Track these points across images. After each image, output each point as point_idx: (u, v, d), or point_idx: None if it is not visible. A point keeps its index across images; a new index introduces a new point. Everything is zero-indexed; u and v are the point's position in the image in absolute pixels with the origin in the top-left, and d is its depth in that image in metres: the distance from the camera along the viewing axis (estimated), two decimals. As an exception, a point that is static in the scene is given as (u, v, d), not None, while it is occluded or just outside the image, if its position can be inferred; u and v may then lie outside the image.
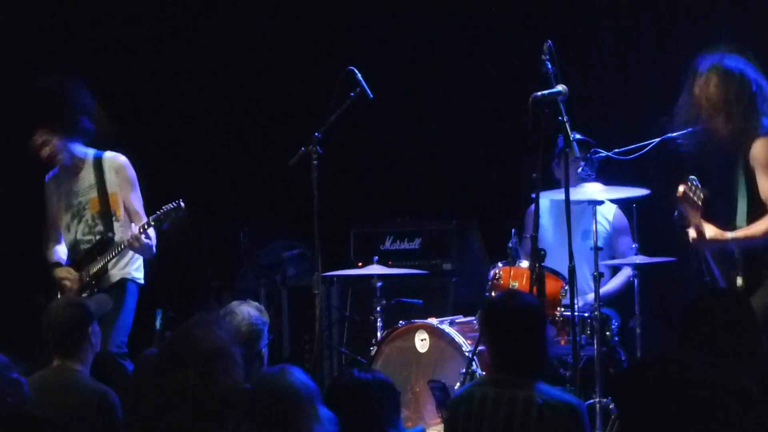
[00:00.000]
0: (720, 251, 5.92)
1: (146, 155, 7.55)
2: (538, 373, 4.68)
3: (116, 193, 7.12)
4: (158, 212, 6.87)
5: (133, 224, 6.99)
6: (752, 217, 5.88)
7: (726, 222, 5.95)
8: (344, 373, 4.86)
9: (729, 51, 6.09)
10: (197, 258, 8.87)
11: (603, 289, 7.14)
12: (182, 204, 6.83)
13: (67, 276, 7.09)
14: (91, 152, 7.18)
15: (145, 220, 6.99)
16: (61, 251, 7.26)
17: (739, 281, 5.87)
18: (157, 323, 4.66)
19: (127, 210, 7.13)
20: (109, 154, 7.18)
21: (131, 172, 7.18)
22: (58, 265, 7.18)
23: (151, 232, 6.92)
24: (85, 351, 5.77)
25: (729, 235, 5.82)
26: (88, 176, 7.15)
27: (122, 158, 7.19)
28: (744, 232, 5.82)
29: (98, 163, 7.15)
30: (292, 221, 8.39)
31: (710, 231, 5.83)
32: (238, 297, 6.50)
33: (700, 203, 5.78)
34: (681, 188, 5.82)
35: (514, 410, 4.53)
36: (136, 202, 7.13)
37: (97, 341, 5.89)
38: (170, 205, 6.85)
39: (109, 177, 7.13)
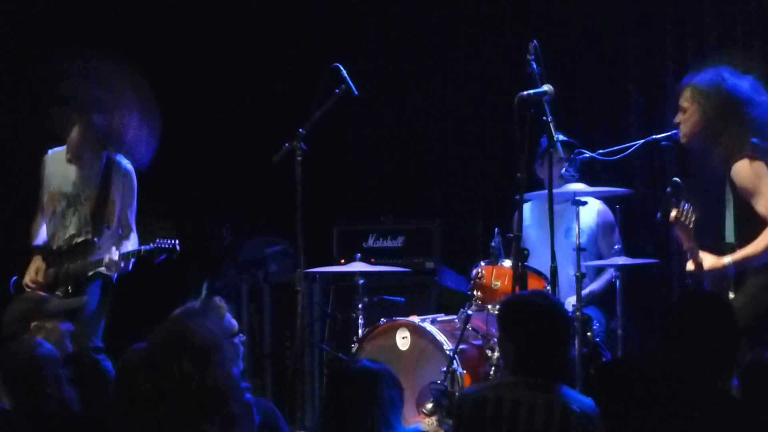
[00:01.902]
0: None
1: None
2: (563, 376, 4.53)
3: (116, 201, 7.05)
4: (152, 246, 6.86)
5: (115, 249, 6.90)
6: (741, 228, 5.89)
7: (713, 231, 5.97)
8: (353, 360, 4.84)
9: (721, 65, 6.10)
10: (180, 253, 8.84)
11: (587, 288, 7.15)
12: (178, 247, 6.83)
13: (34, 276, 7.03)
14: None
15: (134, 232, 6.98)
16: (43, 233, 7.19)
17: (731, 295, 5.89)
18: (203, 292, 4.72)
19: (120, 219, 7.07)
20: (122, 159, 7.11)
21: (134, 183, 7.12)
22: (36, 251, 7.12)
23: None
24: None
25: (726, 260, 5.84)
26: (95, 173, 7.07)
27: (131, 167, 7.13)
28: (741, 254, 5.83)
29: (109, 165, 7.07)
30: (275, 218, 8.39)
31: (708, 261, 5.86)
32: (220, 293, 6.48)
33: (691, 226, 5.80)
34: (673, 213, 5.84)
35: (551, 417, 4.35)
36: (131, 215, 7.09)
37: (53, 340, 5.79)
38: (166, 244, 6.84)
39: (116, 183, 7.06)
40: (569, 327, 4.70)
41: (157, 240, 6.89)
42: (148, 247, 6.89)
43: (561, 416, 4.37)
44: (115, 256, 6.84)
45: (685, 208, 5.79)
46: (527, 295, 5.43)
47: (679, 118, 6.08)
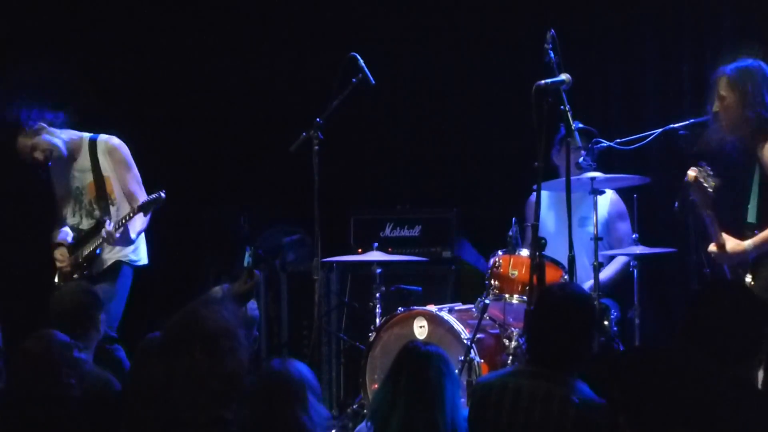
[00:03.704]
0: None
1: (148, 140, 7.56)
2: (577, 369, 4.52)
3: (110, 177, 7.17)
4: (141, 203, 6.96)
5: (108, 221, 7.01)
6: (763, 213, 5.87)
7: (734, 215, 5.95)
8: (419, 342, 4.86)
9: (751, 56, 6.11)
10: (197, 242, 8.87)
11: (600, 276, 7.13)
12: (163, 195, 6.91)
13: (59, 257, 7.19)
14: (86, 136, 7.27)
15: (143, 198, 7.04)
16: (65, 232, 7.31)
17: (748, 278, 5.87)
18: (246, 261, 4.70)
19: (123, 192, 7.15)
20: (102, 138, 7.24)
21: (125, 153, 7.22)
22: (57, 245, 7.25)
23: (138, 219, 6.99)
24: (91, 339, 5.78)
25: (746, 244, 5.83)
26: (84, 161, 7.22)
27: (115, 140, 7.24)
28: (760, 237, 5.82)
29: (92, 147, 7.21)
30: (293, 207, 8.38)
31: (730, 244, 5.84)
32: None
33: (711, 191, 5.78)
34: (692, 173, 5.84)
35: (550, 406, 4.38)
36: (132, 182, 7.17)
37: (103, 329, 5.92)
38: (152, 196, 6.94)
39: (103, 161, 7.19)
40: (587, 320, 4.66)
41: (147, 197, 7.00)
42: (138, 204, 6.99)
43: (559, 406, 4.38)
44: (110, 227, 6.92)
45: (707, 169, 5.78)
46: (550, 286, 5.44)
47: (717, 106, 6.04)
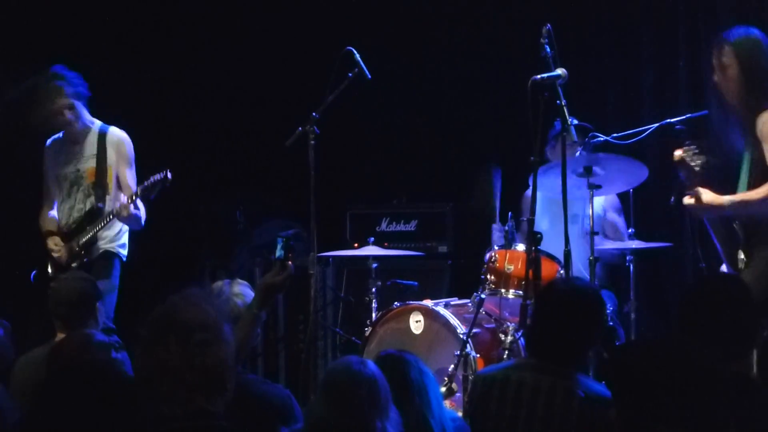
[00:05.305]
0: (723, 228, 5.91)
1: (144, 133, 7.55)
2: (581, 364, 4.53)
3: (113, 167, 7.25)
4: (146, 182, 7.01)
5: (121, 195, 7.11)
6: (753, 180, 5.87)
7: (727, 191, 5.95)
8: (391, 350, 4.81)
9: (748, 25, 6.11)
10: (193, 237, 8.87)
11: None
12: (169, 175, 6.96)
13: (55, 248, 7.21)
14: (97, 123, 7.35)
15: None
16: (54, 218, 7.36)
17: (741, 255, 5.87)
18: (278, 253, 4.59)
19: (119, 185, 7.22)
20: (113, 129, 7.34)
21: (130, 149, 7.33)
22: (49, 234, 7.29)
23: (140, 204, 7.05)
24: (90, 328, 5.76)
25: (725, 199, 5.80)
26: (90, 146, 7.29)
27: (124, 134, 7.36)
28: (741, 196, 5.81)
29: (102, 136, 7.29)
30: (289, 201, 8.39)
31: (707, 195, 5.82)
32: (233, 276, 6.49)
33: (698, 168, 5.79)
34: (678, 152, 5.85)
35: (553, 399, 4.37)
36: (130, 178, 7.28)
37: (101, 319, 5.91)
38: (158, 175, 6.99)
39: (109, 151, 7.28)
40: (592, 314, 4.65)
41: (151, 177, 7.01)
42: (143, 186, 7.03)
43: (563, 399, 4.37)
44: (124, 199, 7.01)
45: (692, 148, 5.80)
46: (554, 280, 5.44)
47: (719, 77, 6.04)
